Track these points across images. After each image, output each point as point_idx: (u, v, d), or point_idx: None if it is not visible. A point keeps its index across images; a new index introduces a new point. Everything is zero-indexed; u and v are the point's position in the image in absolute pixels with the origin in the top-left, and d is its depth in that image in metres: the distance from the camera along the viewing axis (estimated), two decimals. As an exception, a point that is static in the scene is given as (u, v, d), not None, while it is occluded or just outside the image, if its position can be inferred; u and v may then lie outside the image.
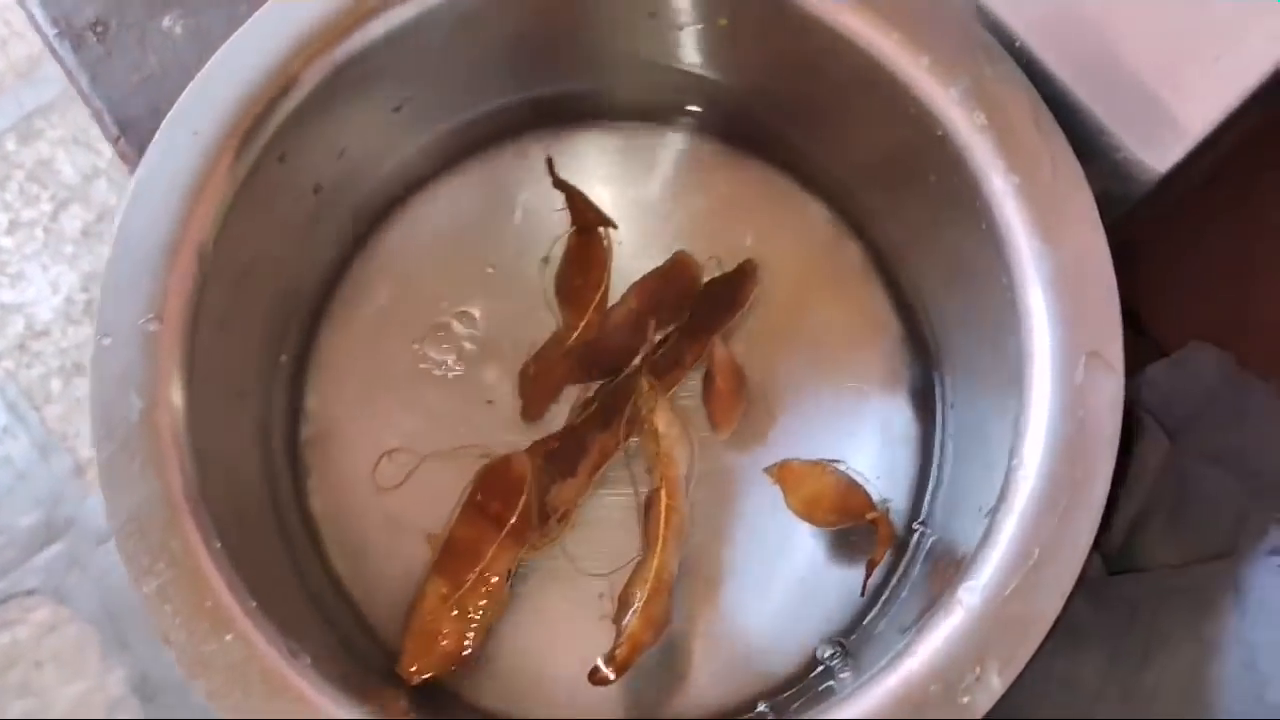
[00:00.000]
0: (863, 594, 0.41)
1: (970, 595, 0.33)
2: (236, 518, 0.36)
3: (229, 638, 0.32)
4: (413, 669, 0.38)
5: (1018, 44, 0.36)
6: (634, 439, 0.43)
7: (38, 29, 0.50)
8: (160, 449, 0.33)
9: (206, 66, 0.36)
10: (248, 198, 0.36)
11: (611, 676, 0.38)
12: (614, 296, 0.44)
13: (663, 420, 0.42)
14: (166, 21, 0.49)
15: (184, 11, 0.49)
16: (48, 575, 0.56)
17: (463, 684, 0.40)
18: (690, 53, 0.42)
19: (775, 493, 0.41)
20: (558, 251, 0.45)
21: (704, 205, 0.45)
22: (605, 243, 0.45)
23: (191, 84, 0.36)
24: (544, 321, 0.44)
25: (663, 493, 0.41)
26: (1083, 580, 0.34)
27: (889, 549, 0.41)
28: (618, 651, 0.38)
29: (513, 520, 0.40)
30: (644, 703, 0.40)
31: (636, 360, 0.43)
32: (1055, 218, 0.35)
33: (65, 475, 0.79)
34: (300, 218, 0.40)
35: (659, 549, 0.40)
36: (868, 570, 0.41)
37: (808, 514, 0.41)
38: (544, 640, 0.41)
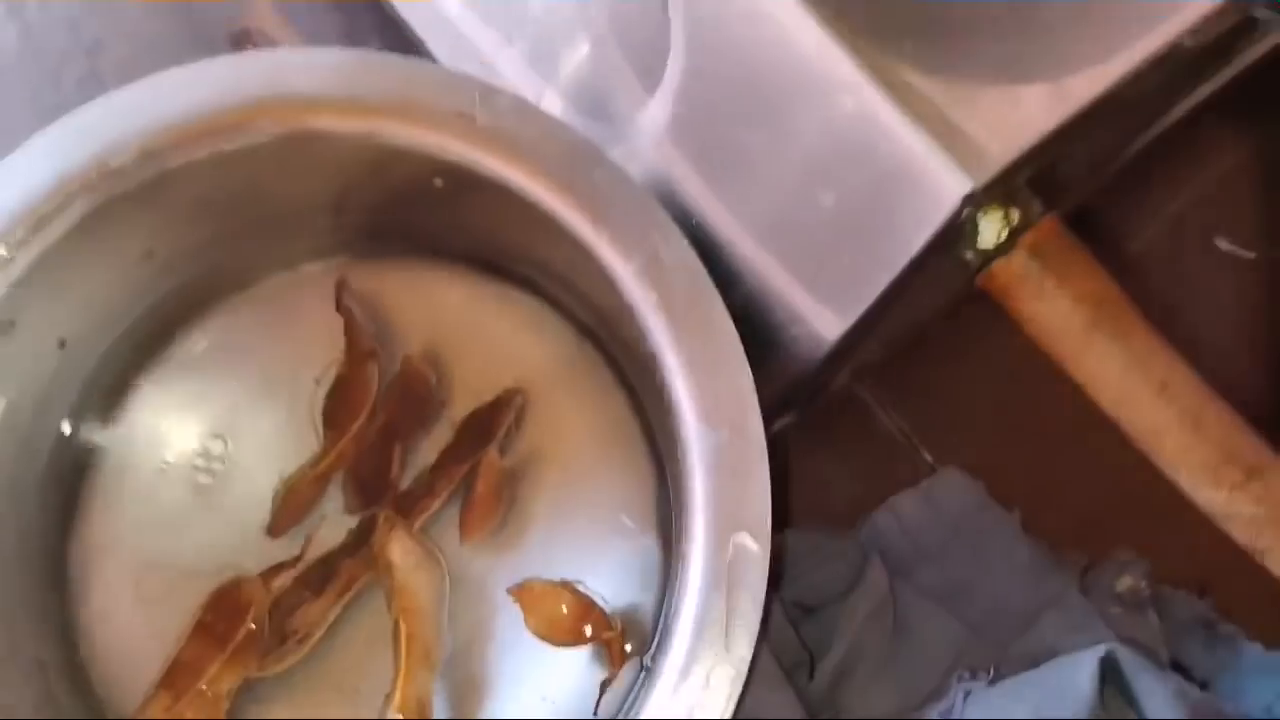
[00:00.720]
0: (594, 713, 0.42)
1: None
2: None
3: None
4: None
5: (694, 220, 0.38)
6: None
7: None
8: None
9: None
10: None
11: None
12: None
13: (397, 551, 0.44)
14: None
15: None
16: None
17: None
18: (421, 209, 0.43)
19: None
20: (330, 377, 0.46)
21: (473, 335, 0.47)
22: (374, 374, 0.46)
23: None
24: (311, 441, 0.46)
25: (402, 624, 0.43)
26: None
27: (619, 670, 0.42)
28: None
29: (235, 641, 0.42)
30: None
31: (388, 497, 0.45)
32: (716, 399, 0.36)
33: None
34: (45, 371, 0.42)
35: (403, 677, 0.42)
36: (600, 690, 0.42)
37: (546, 634, 0.43)
38: None
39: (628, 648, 0.43)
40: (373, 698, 0.42)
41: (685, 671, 0.35)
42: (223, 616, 0.43)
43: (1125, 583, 0.46)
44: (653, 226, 0.37)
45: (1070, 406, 0.49)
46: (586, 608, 0.43)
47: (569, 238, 0.39)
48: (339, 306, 0.46)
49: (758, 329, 0.37)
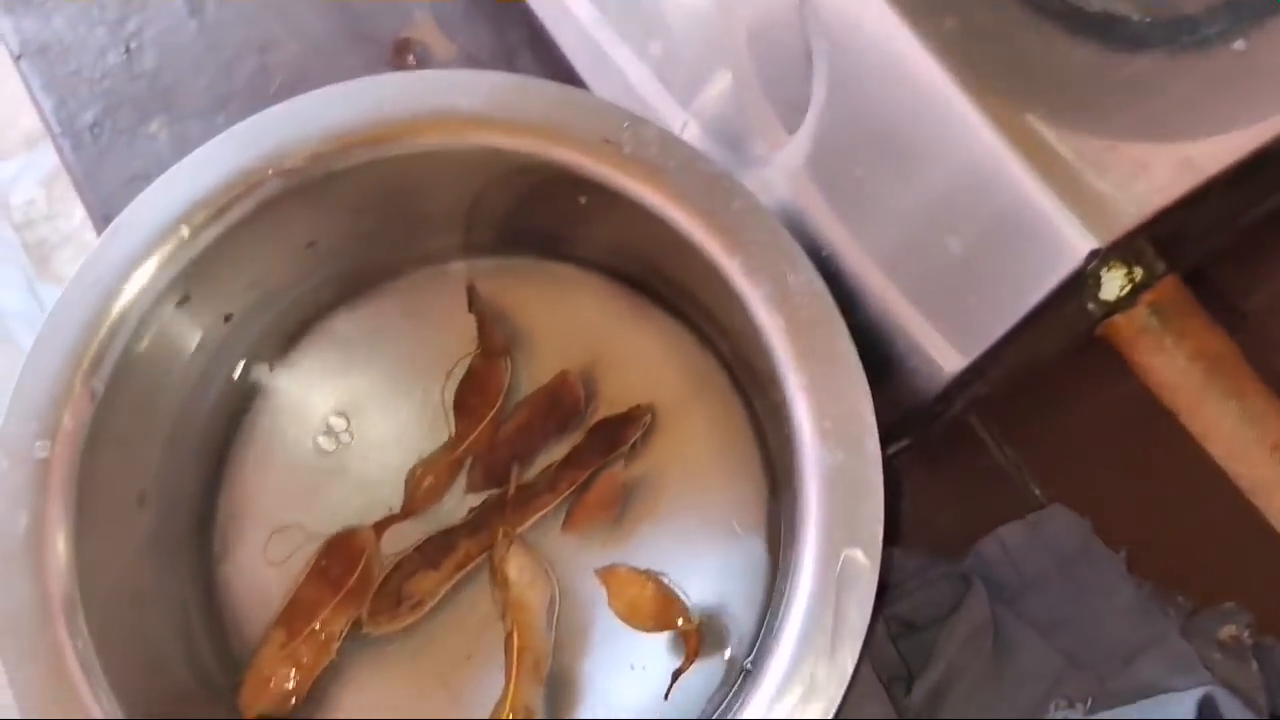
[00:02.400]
0: (666, 698, 0.45)
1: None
2: (121, 607, 0.42)
3: (81, 728, 0.38)
4: (246, 705, 0.44)
5: (824, 253, 0.39)
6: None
7: (46, 126, 0.57)
8: (41, 559, 0.39)
9: (120, 215, 0.42)
10: (148, 338, 0.42)
11: None
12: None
13: (514, 568, 0.47)
14: (153, 127, 0.56)
15: (169, 119, 0.56)
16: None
17: None
18: (564, 220, 0.46)
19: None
20: (461, 369, 0.49)
21: (603, 341, 0.49)
22: (506, 368, 0.49)
23: (104, 233, 0.41)
24: (439, 430, 0.49)
25: (515, 635, 0.46)
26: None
27: (692, 662, 0.45)
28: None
29: (350, 584, 0.45)
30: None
31: (510, 486, 0.48)
32: (836, 421, 0.38)
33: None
34: (211, 342, 0.46)
35: (513, 684, 0.45)
36: (672, 678, 0.45)
37: (627, 617, 0.46)
38: (380, 711, 0.46)
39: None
40: (470, 684, 0.46)
41: (789, 676, 0.37)
42: (336, 562, 0.46)
43: (1228, 630, 0.46)
44: (783, 255, 0.39)
45: (1183, 455, 0.50)
46: (668, 598, 0.46)
47: (704, 261, 0.41)
48: (471, 306, 0.49)
49: (878, 358, 0.39)
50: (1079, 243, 0.32)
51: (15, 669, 0.38)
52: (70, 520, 0.40)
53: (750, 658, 0.45)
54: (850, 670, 0.37)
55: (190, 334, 0.45)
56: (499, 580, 0.46)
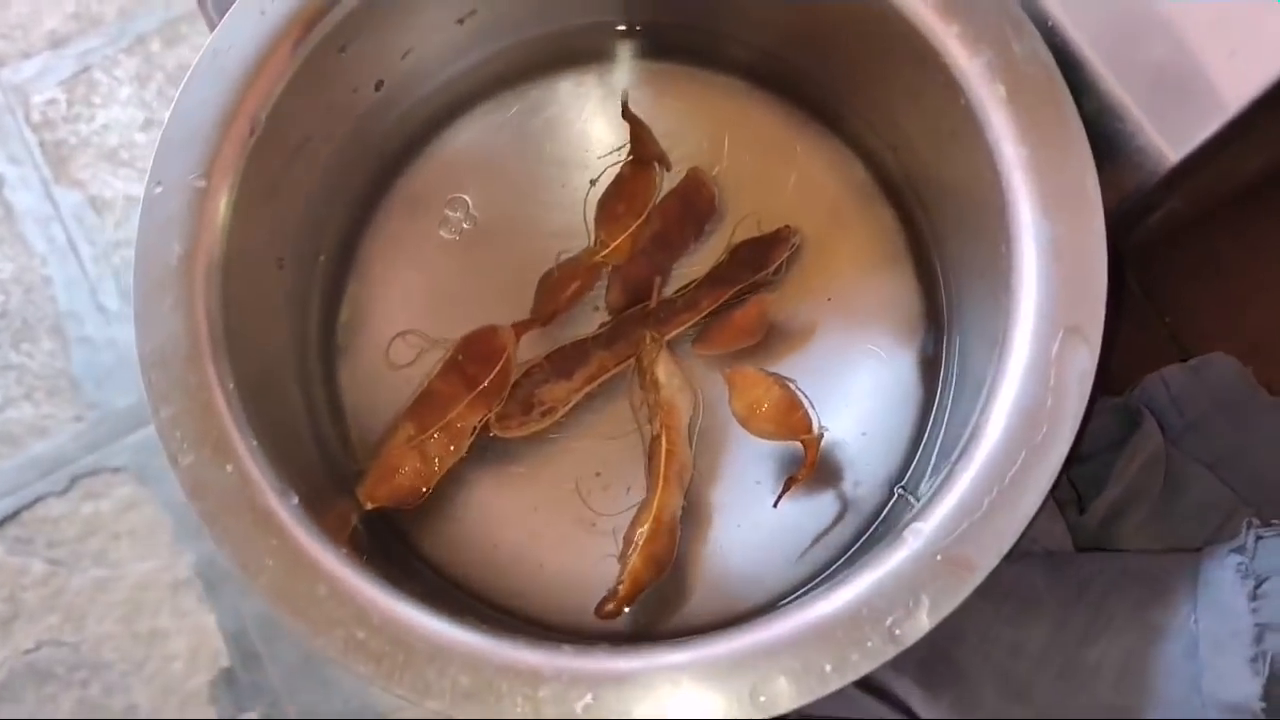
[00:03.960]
0: (775, 505, 0.42)
1: (915, 536, 0.34)
2: (258, 364, 0.39)
3: (229, 468, 0.35)
4: (369, 495, 0.42)
5: (1050, 23, 0.37)
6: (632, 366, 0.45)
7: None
8: (192, 292, 0.36)
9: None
10: (306, 80, 0.39)
11: (615, 611, 0.40)
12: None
13: (664, 371, 0.44)
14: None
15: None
16: (135, 455, 0.60)
17: (412, 527, 0.43)
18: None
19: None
20: (608, 176, 0.47)
21: (750, 155, 0.47)
22: (657, 178, 0.47)
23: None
24: (578, 235, 0.46)
25: (663, 439, 0.43)
26: (1030, 553, 0.35)
27: (810, 473, 0.42)
28: (620, 587, 0.40)
29: (485, 383, 0.43)
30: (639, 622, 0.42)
31: (651, 301, 0.45)
32: (1058, 193, 0.36)
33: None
34: (361, 108, 0.43)
35: (659, 490, 0.43)
36: (785, 486, 0.42)
37: (745, 418, 0.43)
38: (498, 518, 0.44)
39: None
40: (599, 496, 0.44)
41: (995, 463, 0.35)
42: (473, 359, 0.44)
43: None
44: (1007, 21, 0.37)
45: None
46: (792, 404, 0.43)
47: (905, 33, 0.39)
48: (625, 113, 0.47)
49: (1103, 137, 0.37)
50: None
51: (161, 403, 0.35)
52: (220, 257, 0.37)
53: (904, 482, 0.43)
54: (1065, 450, 0.34)
55: (345, 91, 0.42)
56: (648, 382, 0.43)
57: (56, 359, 0.59)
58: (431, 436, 0.43)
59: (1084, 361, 0.35)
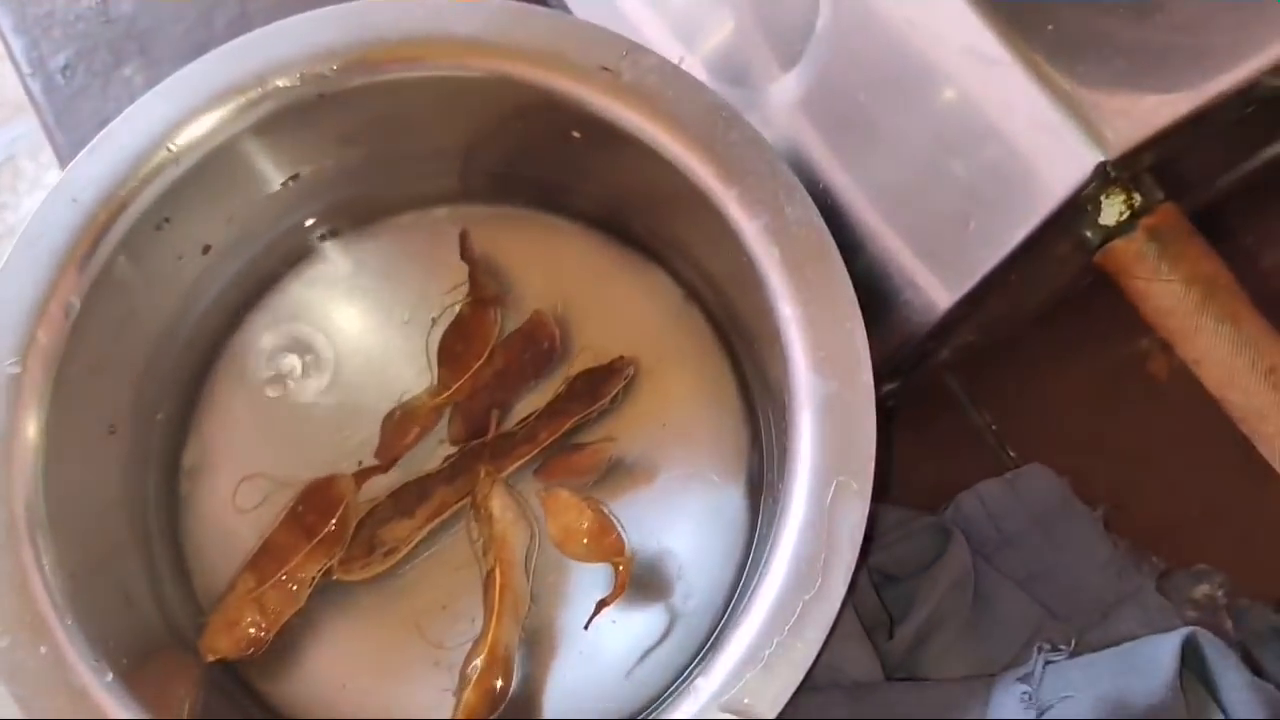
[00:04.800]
0: (585, 628, 0.44)
1: (695, 693, 0.36)
2: (85, 537, 0.40)
3: (43, 650, 0.37)
4: (209, 647, 0.43)
5: (821, 185, 0.39)
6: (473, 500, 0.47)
7: (15, 66, 0.56)
8: (8, 478, 0.38)
9: (95, 139, 0.41)
10: (125, 259, 0.41)
11: None
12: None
13: (498, 505, 0.46)
14: (128, 71, 0.55)
15: (144, 63, 0.55)
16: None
17: (257, 675, 0.44)
18: (553, 162, 0.46)
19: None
20: (449, 315, 0.49)
21: (588, 293, 0.49)
22: (496, 318, 0.49)
23: (80, 154, 0.40)
24: (422, 372, 0.48)
25: (497, 572, 0.45)
26: (836, 685, 0.36)
27: (619, 595, 0.44)
28: (456, 722, 0.42)
29: (324, 533, 0.44)
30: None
31: (489, 435, 0.47)
32: (830, 351, 0.38)
33: None
34: (189, 273, 0.44)
35: (493, 624, 0.44)
36: (595, 609, 0.44)
37: (560, 541, 0.45)
38: (345, 658, 0.45)
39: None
40: (446, 631, 0.45)
41: (780, 605, 0.36)
42: (313, 508, 0.45)
43: (1203, 590, 0.47)
44: (781, 187, 0.39)
45: (1159, 420, 0.51)
46: (605, 527, 0.45)
47: (699, 195, 0.41)
48: (464, 253, 0.48)
49: (874, 292, 0.39)
50: (1087, 155, 0.32)
51: (-23, 588, 0.37)
52: (41, 441, 0.39)
53: (731, 605, 0.45)
54: (840, 598, 0.36)
55: (169, 261, 0.43)
56: (482, 516, 0.45)
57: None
58: (271, 588, 0.44)
59: (855, 513, 0.37)
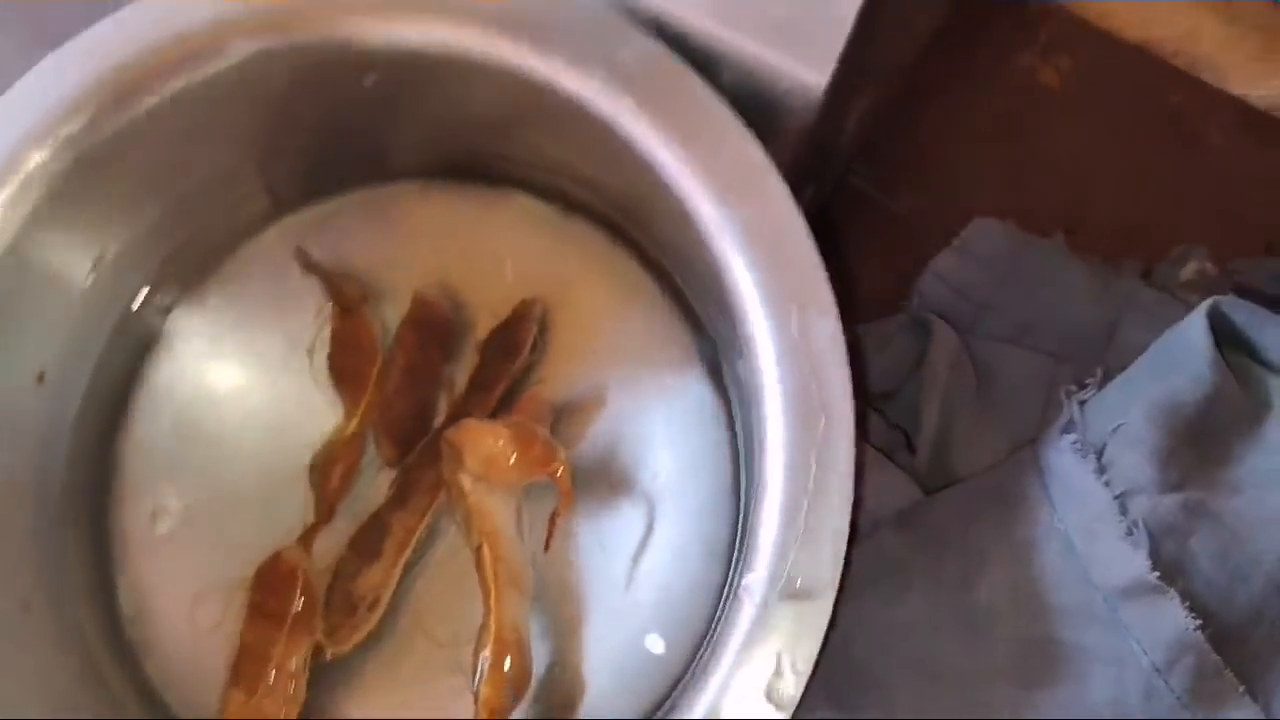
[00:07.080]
0: (545, 550, 0.39)
1: (749, 592, 0.32)
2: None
3: None
4: None
5: (655, 16, 0.35)
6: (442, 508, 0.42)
7: None
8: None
9: None
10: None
11: None
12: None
13: (466, 478, 0.40)
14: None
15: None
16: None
17: None
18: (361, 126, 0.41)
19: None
20: (323, 340, 0.44)
21: (459, 252, 0.44)
22: (370, 317, 0.44)
23: None
24: (327, 412, 0.43)
25: (485, 547, 0.40)
26: (880, 522, 0.33)
27: (569, 505, 0.39)
28: (479, 721, 0.37)
29: (293, 613, 0.39)
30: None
31: (423, 441, 0.42)
32: (728, 178, 0.34)
33: None
34: (29, 417, 0.39)
35: (495, 605, 0.39)
36: (549, 526, 0.39)
37: (488, 474, 0.39)
38: (369, 703, 0.40)
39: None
40: (467, 639, 0.40)
41: (791, 464, 0.32)
42: (271, 593, 0.40)
43: (1191, 269, 0.44)
44: (608, 33, 0.35)
45: (1067, 128, 0.48)
46: (526, 438, 0.39)
47: (522, 84, 0.36)
48: (306, 268, 0.43)
49: (749, 102, 0.35)
50: None
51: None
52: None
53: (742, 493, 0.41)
54: (849, 420, 0.32)
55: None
56: (454, 494, 0.40)
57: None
58: (264, 695, 0.39)
59: (827, 330, 0.33)
